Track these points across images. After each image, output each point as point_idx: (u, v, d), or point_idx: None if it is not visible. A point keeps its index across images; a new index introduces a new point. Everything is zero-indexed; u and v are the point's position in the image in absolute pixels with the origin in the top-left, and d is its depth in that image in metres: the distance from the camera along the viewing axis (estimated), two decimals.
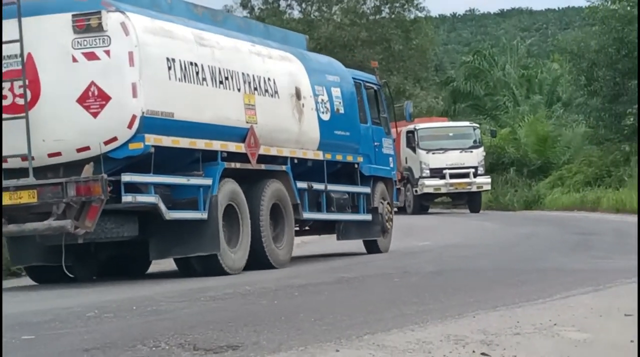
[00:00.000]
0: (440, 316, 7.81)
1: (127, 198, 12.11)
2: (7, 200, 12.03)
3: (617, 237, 19.30)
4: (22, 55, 12.12)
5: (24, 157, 12.18)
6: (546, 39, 76.75)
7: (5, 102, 12.09)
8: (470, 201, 36.41)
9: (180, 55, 12.85)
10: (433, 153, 34.20)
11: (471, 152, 35.21)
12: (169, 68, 12.63)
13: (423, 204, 35.37)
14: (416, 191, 34.32)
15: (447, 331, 6.94)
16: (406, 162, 34.37)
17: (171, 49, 12.75)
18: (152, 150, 12.30)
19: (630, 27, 34.68)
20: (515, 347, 6.36)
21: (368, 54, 44.90)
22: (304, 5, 51.69)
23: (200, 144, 13.08)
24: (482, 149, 35.99)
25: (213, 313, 8.62)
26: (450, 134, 35.70)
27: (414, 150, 34.14)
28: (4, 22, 12.15)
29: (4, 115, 12.10)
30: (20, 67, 12.11)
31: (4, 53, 12.18)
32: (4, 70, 12.15)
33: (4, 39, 12.16)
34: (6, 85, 12.12)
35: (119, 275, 14.21)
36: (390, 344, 6.41)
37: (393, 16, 50.99)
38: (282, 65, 15.22)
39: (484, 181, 35.42)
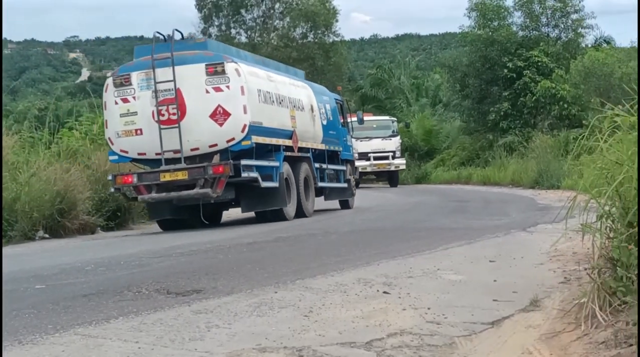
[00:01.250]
0: (353, 264, 7.81)
1: (244, 174, 14.17)
2: (167, 177, 14.01)
3: (484, 203, 19.46)
4: (175, 89, 14.20)
5: (176, 151, 14.20)
6: (430, 56, 76.72)
7: (164, 118, 14.16)
8: (390, 178, 36.52)
9: (262, 87, 15.11)
10: (361, 140, 33.90)
11: (390, 139, 35.17)
12: (258, 95, 14.83)
13: None
14: None
15: (358, 276, 6.95)
16: None
17: (258, 84, 14.98)
18: (254, 145, 14.37)
19: (491, 48, 36.19)
20: (408, 286, 6.39)
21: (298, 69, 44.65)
22: (249, 33, 51.26)
23: (273, 141, 15.31)
24: (398, 137, 36.03)
25: (182, 265, 8.52)
26: (374, 126, 35.38)
27: None
28: (164, 69, 14.20)
29: (164, 126, 14.12)
30: (173, 96, 14.21)
31: (163, 88, 14.19)
32: (163, 98, 14.19)
33: (164, 79, 14.18)
34: (163, 107, 14.16)
35: (209, 224, 15.63)
36: (316, 286, 6.41)
37: (316, 40, 50.80)
38: (303, 91, 17.63)
39: (400, 162, 35.64)
